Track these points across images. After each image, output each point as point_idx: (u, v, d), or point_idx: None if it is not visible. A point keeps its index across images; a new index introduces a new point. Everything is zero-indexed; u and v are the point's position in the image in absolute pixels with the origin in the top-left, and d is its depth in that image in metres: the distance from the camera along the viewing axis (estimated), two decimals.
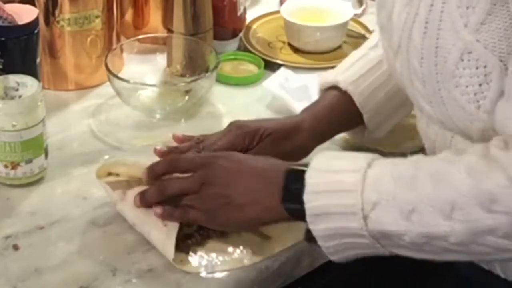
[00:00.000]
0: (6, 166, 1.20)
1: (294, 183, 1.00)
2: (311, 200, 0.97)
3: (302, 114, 1.21)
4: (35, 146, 1.20)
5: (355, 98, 1.21)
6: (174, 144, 1.22)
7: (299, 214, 0.99)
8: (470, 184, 0.91)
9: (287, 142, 1.17)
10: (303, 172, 0.99)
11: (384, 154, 1.29)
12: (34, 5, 1.36)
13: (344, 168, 0.97)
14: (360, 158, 0.98)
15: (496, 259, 0.95)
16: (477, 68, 0.93)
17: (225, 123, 1.33)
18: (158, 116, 1.38)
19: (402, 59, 1.02)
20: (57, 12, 1.39)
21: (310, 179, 0.98)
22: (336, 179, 0.96)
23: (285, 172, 1.01)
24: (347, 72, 1.22)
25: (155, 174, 1.10)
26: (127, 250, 1.11)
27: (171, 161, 1.11)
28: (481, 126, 0.96)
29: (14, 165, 1.20)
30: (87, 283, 1.06)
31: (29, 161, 1.20)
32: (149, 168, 1.11)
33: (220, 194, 1.05)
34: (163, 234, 1.08)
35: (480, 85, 0.94)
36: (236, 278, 1.08)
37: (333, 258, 1.00)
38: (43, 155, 1.22)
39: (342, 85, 1.21)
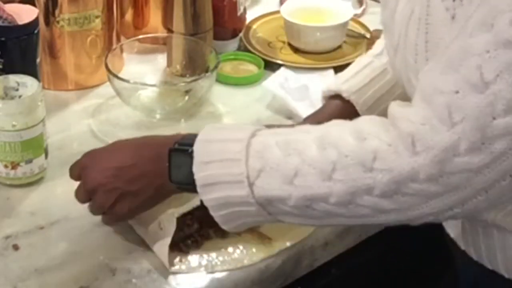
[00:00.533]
0: (6, 166, 1.20)
1: (181, 161, 1.01)
2: (199, 171, 0.99)
3: (305, 123, 1.21)
4: (35, 146, 1.20)
5: (358, 107, 1.20)
6: None
7: (189, 187, 1.00)
8: (353, 144, 0.92)
9: None
10: (186, 150, 1.00)
11: None
12: (34, 5, 1.36)
13: (229, 137, 0.99)
14: (245, 129, 1.00)
15: (377, 222, 0.95)
16: None
17: (225, 123, 1.34)
18: (158, 116, 1.38)
19: (400, 56, 1.02)
20: (57, 12, 1.39)
21: (197, 149, 0.99)
22: (221, 148, 0.98)
23: (169, 151, 1.02)
24: (351, 81, 1.22)
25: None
26: (127, 250, 1.11)
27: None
28: None
29: (14, 165, 1.20)
30: (87, 283, 1.06)
31: (29, 161, 1.20)
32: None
33: (108, 190, 1.07)
34: (158, 238, 1.08)
35: None
36: (236, 278, 1.08)
37: (225, 227, 1.01)
38: (43, 155, 1.22)
39: (345, 94, 1.21)
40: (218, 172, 0.97)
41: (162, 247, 1.07)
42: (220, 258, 1.09)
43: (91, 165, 1.09)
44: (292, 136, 0.97)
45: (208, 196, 0.99)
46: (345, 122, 0.97)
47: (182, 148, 1.02)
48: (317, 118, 1.21)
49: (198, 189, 0.99)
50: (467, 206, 0.90)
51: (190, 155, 1.00)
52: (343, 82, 1.22)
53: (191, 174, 0.99)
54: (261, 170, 0.95)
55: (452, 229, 1.11)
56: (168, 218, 1.08)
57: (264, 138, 0.98)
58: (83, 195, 1.10)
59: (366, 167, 0.90)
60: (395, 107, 0.94)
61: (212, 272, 1.08)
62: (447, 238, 1.12)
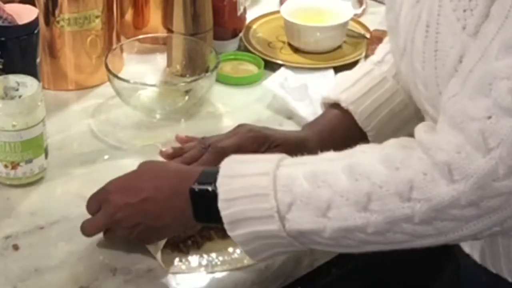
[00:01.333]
0: (6, 166, 1.20)
1: (203, 201, 1.00)
2: (226, 208, 0.97)
3: (306, 131, 1.21)
4: (35, 146, 1.20)
5: (356, 117, 1.20)
6: (174, 144, 1.23)
7: (216, 224, 0.99)
8: (386, 174, 0.91)
9: (291, 146, 1.16)
10: (207, 190, 0.99)
11: None
12: (34, 5, 1.36)
13: (253, 171, 0.97)
14: (268, 160, 0.99)
15: (414, 247, 0.95)
16: None
17: (225, 123, 1.34)
18: (158, 116, 1.38)
19: (406, 62, 1.01)
20: (57, 12, 1.39)
21: (221, 186, 0.98)
22: (247, 183, 0.97)
23: (190, 192, 1.01)
24: (350, 90, 1.22)
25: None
26: (127, 250, 1.11)
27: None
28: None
29: (14, 165, 1.20)
30: (87, 283, 1.06)
31: (29, 161, 1.20)
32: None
33: (132, 226, 1.06)
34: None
35: None
36: (236, 278, 1.08)
37: (255, 258, 1.01)
38: (43, 155, 1.22)
39: (344, 104, 1.21)
40: (246, 207, 0.96)
41: (156, 247, 1.08)
42: (220, 258, 1.09)
43: (113, 198, 1.06)
44: (319, 167, 0.96)
45: (236, 232, 0.98)
46: (372, 148, 0.96)
47: (203, 188, 1.00)
48: (316, 126, 1.22)
49: (226, 226, 0.98)
50: (507, 224, 0.90)
51: (213, 192, 0.98)
52: (342, 91, 1.22)
53: (216, 211, 0.98)
54: (291, 204, 0.94)
55: None
56: None
57: (290, 170, 0.96)
58: (101, 226, 1.08)
59: (403, 197, 0.90)
60: (423, 135, 0.93)
61: (212, 272, 1.08)
62: None
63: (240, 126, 1.20)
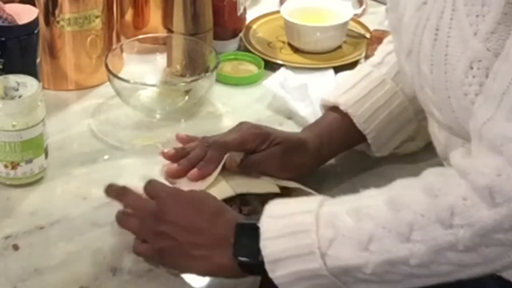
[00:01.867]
0: (6, 166, 1.20)
1: (246, 235, 0.99)
2: (267, 247, 0.96)
3: (306, 133, 1.21)
4: (35, 146, 1.20)
5: (355, 120, 1.20)
6: (174, 144, 1.23)
7: (253, 266, 0.98)
8: (426, 202, 0.90)
9: (294, 157, 1.17)
10: (254, 224, 0.98)
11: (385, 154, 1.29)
12: (34, 5, 1.36)
13: (296, 210, 0.97)
14: (310, 201, 0.98)
15: (461, 278, 0.93)
16: (487, 76, 0.92)
17: (225, 123, 1.34)
18: (158, 116, 1.38)
19: (412, 64, 1.01)
20: (57, 12, 1.39)
21: (263, 226, 0.97)
22: (289, 222, 0.96)
23: (236, 225, 1.00)
24: (349, 93, 1.22)
25: (111, 193, 1.10)
26: (127, 250, 1.10)
27: (125, 194, 1.09)
28: None
29: (14, 165, 1.20)
30: (87, 283, 1.06)
31: (29, 161, 1.20)
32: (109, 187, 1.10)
33: (168, 235, 1.02)
34: None
35: None
36: (236, 278, 1.07)
37: None
38: (43, 155, 1.22)
39: (343, 107, 1.21)
40: (287, 245, 0.95)
41: None
42: None
43: (169, 210, 1.03)
44: (361, 203, 0.95)
45: (277, 273, 0.96)
46: (411, 180, 0.95)
47: (248, 222, 1.00)
48: (315, 129, 1.22)
49: (267, 266, 0.96)
50: None
51: (256, 231, 0.97)
52: (341, 94, 1.22)
53: (257, 252, 0.97)
54: (333, 240, 0.93)
55: None
56: None
57: (332, 208, 0.96)
58: (145, 233, 1.05)
59: (445, 224, 0.89)
60: (459, 160, 0.92)
61: None
62: None
63: (242, 123, 1.20)
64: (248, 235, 0.98)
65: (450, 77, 0.95)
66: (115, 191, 1.10)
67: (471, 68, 0.92)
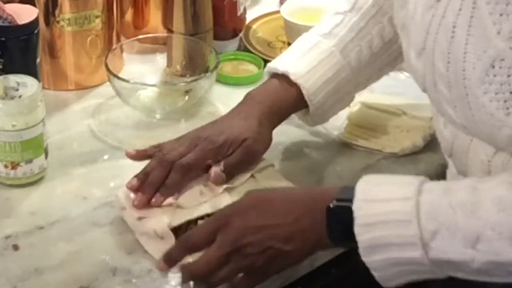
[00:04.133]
0: (6, 166, 1.20)
1: (340, 221, 0.96)
2: (363, 233, 0.94)
3: (253, 105, 1.22)
4: (35, 146, 1.20)
5: (304, 91, 1.22)
6: None
7: (348, 244, 0.97)
8: None
9: (259, 143, 1.19)
10: (349, 208, 0.95)
11: (385, 154, 1.29)
12: (34, 5, 1.36)
13: (393, 196, 0.94)
14: (408, 184, 0.95)
15: None
16: (508, 76, 0.91)
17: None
18: (158, 116, 1.38)
19: (426, 61, 0.99)
20: (57, 12, 1.39)
21: (358, 210, 0.95)
22: (387, 209, 0.93)
23: (327, 209, 0.97)
24: (298, 63, 1.23)
25: (173, 260, 1.04)
26: (127, 250, 1.11)
27: (184, 242, 1.04)
28: (509, 132, 0.93)
29: (14, 165, 1.20)
30: (87, 283, 1.06)
31: (29, 161, 1.20)
32: (165, 256, 1.04)
33: (260, 251, 0.99)
34: (159, 248, 1.08)
35: (511, 92, 0.91)
36: None
37: (386, 284, 0.97)
38: (43, 155, 1.22)
39: (293, 78, 1.22)
40: (385, 233, 0.93)
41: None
42: None
43: (236, 221, 0.99)
44: (465, 196, 0.92)
45: (372, 258, 0.95)
46: None
47: (342, 205, 0.96)
48: (265, 101, 1.21)
49: (361, 251, 0.95)
50: None
51: (350, 214, 0.95)
52: (290, 63, 1.23)
53: (351, 233, 0.95)
54: (436, 232, 0.91)
55: None
56: (163, 229, 1.09)
57: (433, 198, 0.93)
58: (217, 258, 0.99)
59: None
60: None
61: None
62: None
63: (192, 137, 1.18)
64: (342, 220, 0.96)
65: (469, 75, 0.93)
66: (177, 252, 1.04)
67: (493, 67, 0.91)
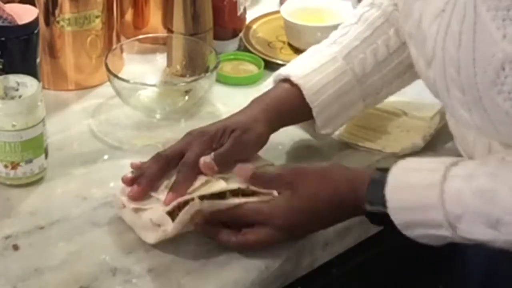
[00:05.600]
0: (6, 166, 1.20)
1: (373, 204, 1.05)
2: (395, 215, 1.03)
3: (253, 105, 1.22)
4: (35, 146, 1.20)
5: (304, 92, 1.22)
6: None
7: (381, 216, 1.05)
8: None
9: (250, 134, 1.18)
10: (381, 192, 1.04)
11: (385, 154, 1.29)
12: (34, 5, 1.36)
13: (421, 183, 1.01)
14: (435, 171, 1.01)
15: None
16: None
17: None
18: (158, 116, 1.38)
19: (437, 68, 1.01)
20: (57, 12, 1.39)
21: (388, 195, 1.03)
22: (415, 195, 1.01)
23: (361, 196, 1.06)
24: (300, 66, 1.24)
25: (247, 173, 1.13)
26: (127, 250, 1.11)
27: (261, 176, 1.12)
28: None
29: (14, 165, 1.20)
30: (87, 283, 1.06)
31: (29, 161, 1.20)
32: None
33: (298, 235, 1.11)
34: (159, 236, 1.09)
35: None
36: (236, 278, 1.08)
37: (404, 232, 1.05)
38: (43, 155, 1.22)
39: (294, 79, 1.22)
40: (414, 217, 1.02)
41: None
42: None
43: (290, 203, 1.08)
44: (485, 182, 0.98)
45: (407, 233, 1.04)
46: None
47: (375, 209, 1.05)
48: (265, 101, 1.22)
49: (397, 227, 1.04)
50: None
51: (383, 201, 1.03)
52: (291, 67, 1.24)
53: (385, 219, 1.04)
54: (461, 216, 0.99)
55: None
56: (159, 215, 1.09)
57: (457, 185, 0.99)
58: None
59: None
60: None
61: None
62: None
63: (189, 133, 1.19)
64: (375, 202, 1.04)
65: (481, 79, 0.96)
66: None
67: (503, 69, 0.93)
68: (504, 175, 0.98)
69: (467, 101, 0.99)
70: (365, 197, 1.05)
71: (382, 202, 1.03)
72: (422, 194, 1.00)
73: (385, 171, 1.04)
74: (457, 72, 0.98)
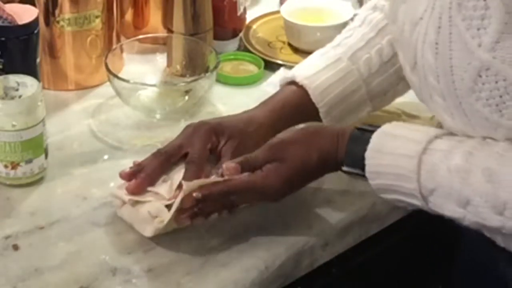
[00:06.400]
0: (6, 166, 1.20)
1: (353, 165, 1.08)
2: (372, 179, 1.05)
3: (256, 108, 1.23)
4: (35, 146, 1.20)
5: (310, 92, 1.22)
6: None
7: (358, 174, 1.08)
8: None
9: (251, 135, 1.18)
10: (361, 156, 1.06)
11: None
12: (34, 5, 1.36)
13: (401, 152, 1.03)
14: (416, 142, 1.03)
15: None
16: (496, 82, 0.94)
17: None
18: (158, 116, 1.38)
19: (419, 75, 1.03)
20: (57, 12, 1.39)
21: (370, 159, 1.05)
22: (394, 163, 1.03)
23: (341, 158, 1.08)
24: (305, 67, 1.25)
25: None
26: (127, 250, 1.11)
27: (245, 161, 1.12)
28: (505, 132, 0.98)
29: (14, 165, 1.20)
30: (87, 283, 1.06)
31: (29, 161, 1.20)
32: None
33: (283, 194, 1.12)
34: (158, 227, 1.09)
35: (501, 96, 0.95)
36: (236, 278, 1.08)
37: (379, 194, 1.07)
38: (43, 155, 1.22)
39: (299, 79, 1.23)
40: (391, 183, 1.04)
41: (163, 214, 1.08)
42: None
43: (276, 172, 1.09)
44: (460, 162, 0.99)
45: (381, 196, 1.07)
46: (508, 158, 0.98)
47: (356, 152, 1.07)
48: (268, 104, 1.23)
49: (372, 186, 1.07)
50: None
51: (362, 164, 1.06)
52: (297, 69, 1.25)
53: (363, 163, 1.06)
54: (433, 190, 1.01)
55: None
56: (157, 207, 1.10)
57: (435, 160, 1.01)
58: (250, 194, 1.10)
59: None
60: None
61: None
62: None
63: (189, 126, 1.19)
64: (354, 164, 1.07)
65: (459, 86, 0.97)
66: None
67: (480, 76, 0.95)
68: (479, 156, 0.98)
69: (449, 106, 1.01)
70: (345, 157, 1.08)
71: (361, 165, 1.06)
72: (400, 163, 1.02)
73: (367, 131, 1.07)
74: (437, 80, 1.00)
